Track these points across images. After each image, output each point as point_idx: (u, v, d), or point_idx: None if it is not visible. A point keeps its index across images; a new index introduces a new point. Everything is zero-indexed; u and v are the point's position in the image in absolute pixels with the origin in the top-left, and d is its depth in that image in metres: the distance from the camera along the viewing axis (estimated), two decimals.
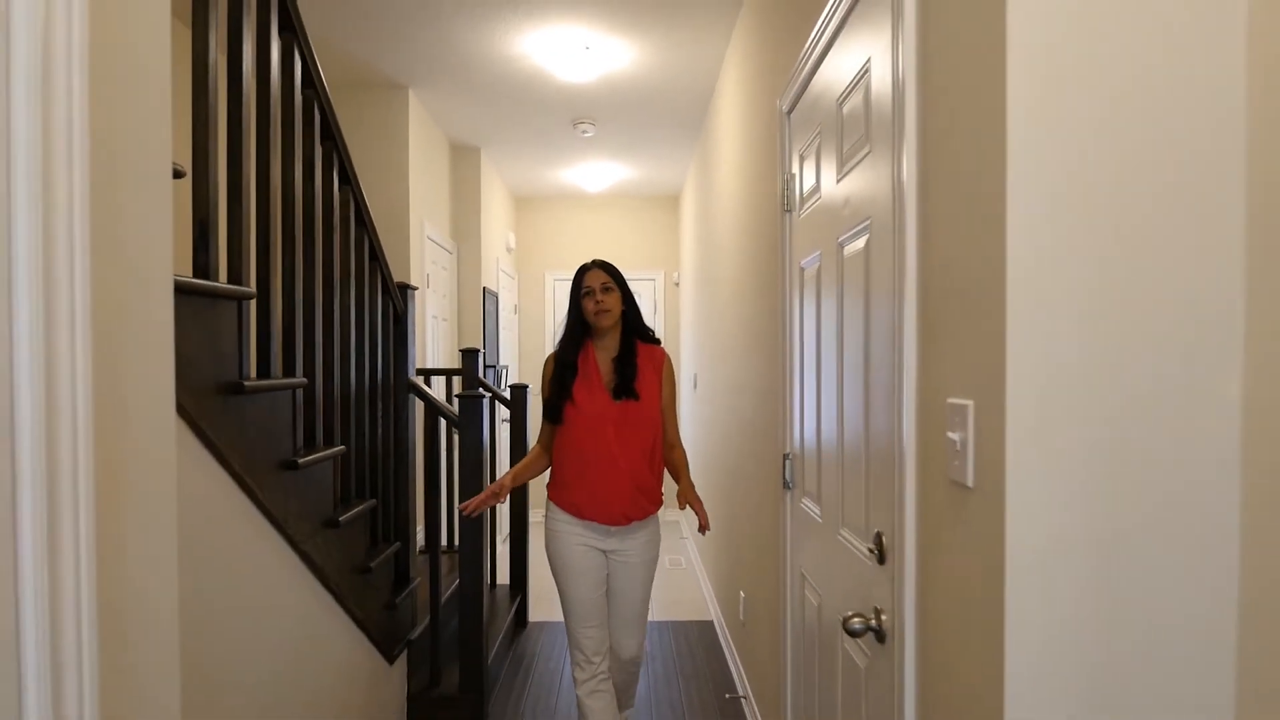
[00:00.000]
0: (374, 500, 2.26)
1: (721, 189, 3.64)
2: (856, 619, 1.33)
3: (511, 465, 3.36)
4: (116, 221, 0.77)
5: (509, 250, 5.96)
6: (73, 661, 0.67)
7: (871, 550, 1.37)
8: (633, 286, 2.25)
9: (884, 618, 1.30)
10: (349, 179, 2.09)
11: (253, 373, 1.56)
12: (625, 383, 2.10)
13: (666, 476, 2.26)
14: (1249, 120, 0.86)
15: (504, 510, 4.58)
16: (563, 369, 2.14)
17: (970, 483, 0.97)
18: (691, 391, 5.29)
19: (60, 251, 0.66)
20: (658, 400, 2.17)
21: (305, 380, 1.76)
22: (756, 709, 2.70)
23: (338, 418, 2.02)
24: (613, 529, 2.13)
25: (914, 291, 1.16)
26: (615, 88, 3.73)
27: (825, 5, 1.62)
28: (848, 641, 1.53)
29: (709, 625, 3.89)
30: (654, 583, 2.27)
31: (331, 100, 1.96)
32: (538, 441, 2.26)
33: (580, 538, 2.13)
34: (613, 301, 2.13)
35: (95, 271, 0.70)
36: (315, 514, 1.83)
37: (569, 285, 2.23)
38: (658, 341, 2.26)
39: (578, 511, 2.12)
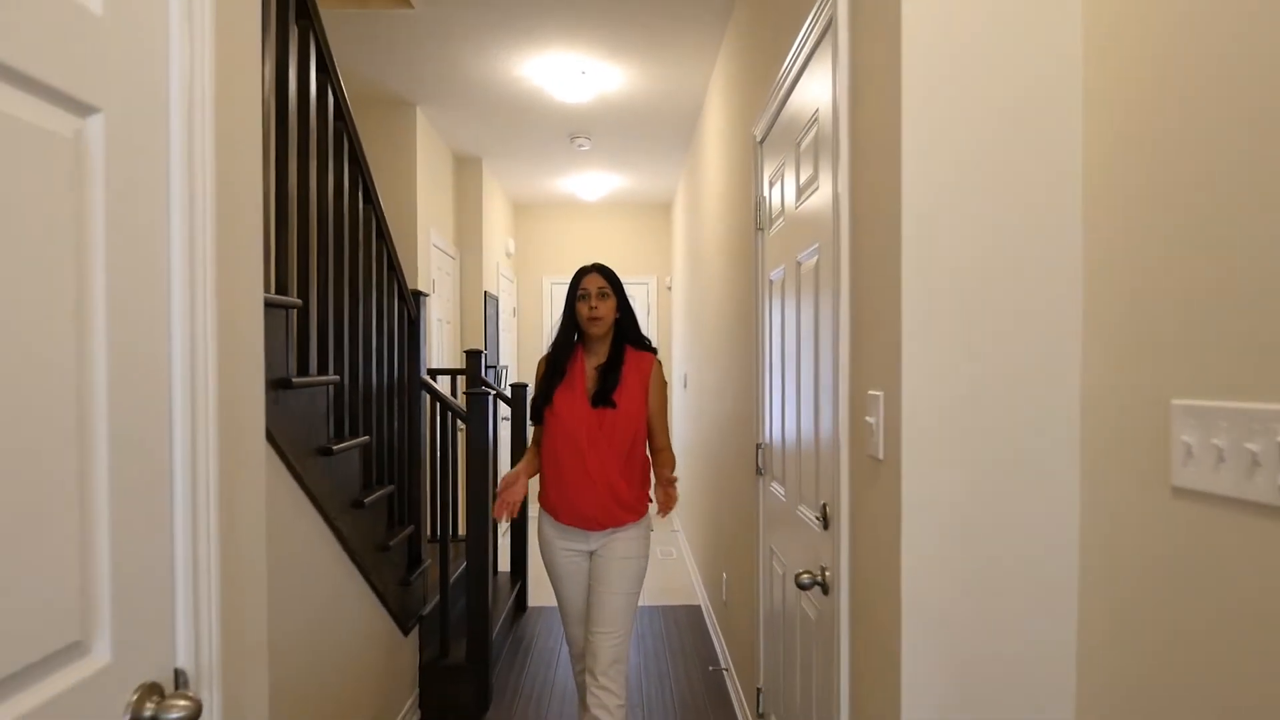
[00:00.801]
0: (392, 486, 2.52)
1: (707, 204, 3.91)
2: (805, 574, 1.60)
3: (512, 462, 3.62)
4: (233, 260, 1.03)
5: (508, 255, 6.22)
6: (206, 601, 0.93)
7: (819, 519, 1.64)
8: (627, 290, 2.24)
9: (827, 574, 1.56)
10: (371, 199, 2.35)
11: (293, 370, 1.82)
12: (604, 391, 2.10)
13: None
14: (1085, 164, 1.13)
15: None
16: (553, 373, 2.15)
17: (881, 456, 1.24)
18: (682, 390, 5.56)
19: (199, 294, 0.92)
20: (640, 409, 2.14)
21: (337, 378, 2.02)
22: (736, 678, 2.96)
23: (362, 411, 2.28)
24: (589, 533, 2.14)
25: (847, 304, 1.43)
26: (610, 107, 4.00)
27: (789, 49, 1.90)
28: (804, 599, 1.80)
29: (696, 609, 4.16)
30: (646, 573, 2.21)
31: (356, 125, 2.23)
32: (531, 441, 2.30)
33: (563, 541, 2.16)
34: (607, 309, 2.13)
35: (220, 298, 0.96)
36: (344, 495, 2.09)
37: (566, 289, 2.23)
38: (653, 349, 2.25)
39: (557, 515, 2.15)
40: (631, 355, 2.18)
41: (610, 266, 2.26)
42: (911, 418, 1.14)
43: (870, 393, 1.29)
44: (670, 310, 6.54)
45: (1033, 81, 1.14)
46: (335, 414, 2.08)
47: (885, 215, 1.23)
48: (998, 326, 1.15)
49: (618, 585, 2.13)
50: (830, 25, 1.49)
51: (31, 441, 0.69)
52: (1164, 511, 0.95)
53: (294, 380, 1.71)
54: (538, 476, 2.24)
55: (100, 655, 0.78)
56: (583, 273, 2.18)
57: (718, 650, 3.46)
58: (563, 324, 2.20)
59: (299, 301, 1.78)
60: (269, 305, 1.63)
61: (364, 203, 2.32)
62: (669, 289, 6.62)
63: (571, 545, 2.16)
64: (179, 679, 0.90)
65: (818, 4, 1.58)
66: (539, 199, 6.36)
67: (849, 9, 1.41)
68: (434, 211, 4.49)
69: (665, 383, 2.27)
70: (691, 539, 4.95)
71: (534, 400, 2.20)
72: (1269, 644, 0.80)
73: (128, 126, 0.81)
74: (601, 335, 2.15)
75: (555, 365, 2.17)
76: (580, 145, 4.58)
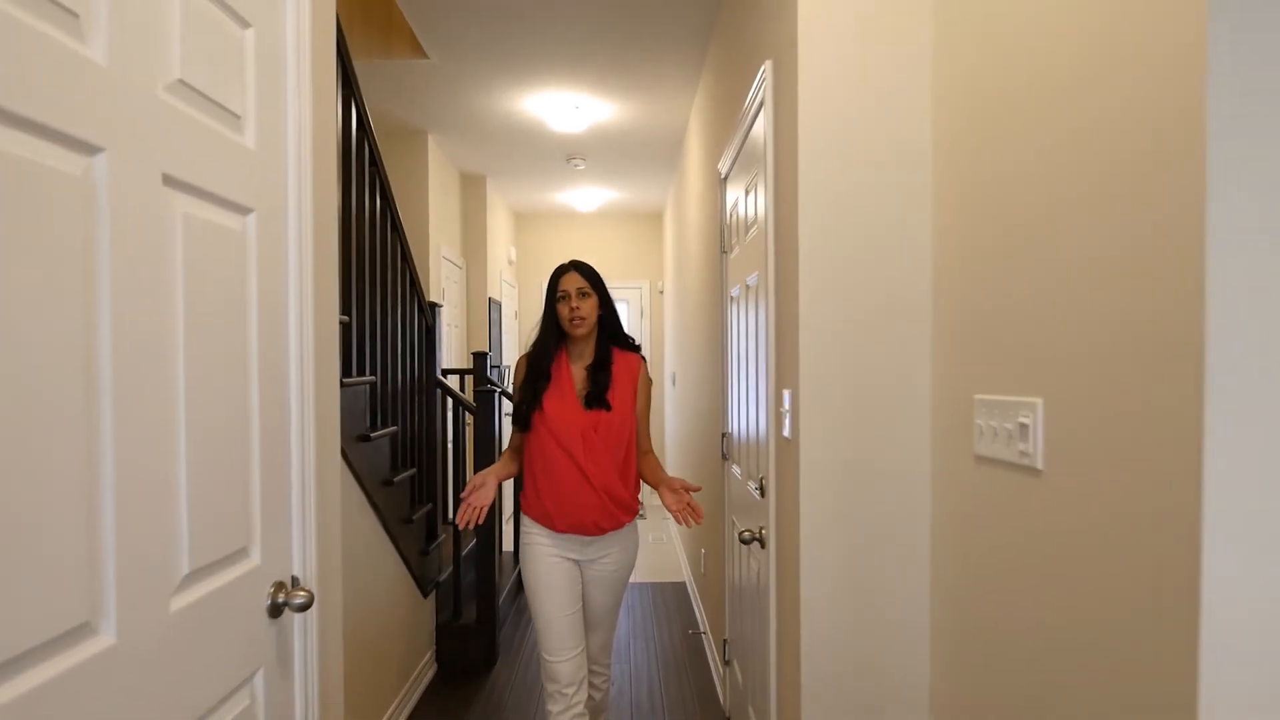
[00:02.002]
0: (414, 469, 2.96)
1: (689, 221, 4.36)
2: (746, 532, 2.05)
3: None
4: (322, 302, 1.47)
5: (510, 263, 6.66)
6: (309, 533, 1.37)
7: (758, 489, 2.08)
8: (621, 294, 2.33)
9: (764, 531, 2.01)
10: (397, 227, 2.79)
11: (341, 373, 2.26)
12: (598, 392, 2.02)
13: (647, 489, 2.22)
14: (933, 211, 1.57)
15: (508, 489, 5.27)
16: (536, 376, 2.05)
17: (789, 436, 1.68)
18: (671, 388, 6.00)
19: (305, 327, 1.36)
20: (631, 410, 2.07)
21: (374, 378, 2.46)
22: (710, 638, 3.41)
23: (391, 406, 2.72)
24: (587, 539, 2.04)
25: (772, 322, 1.87)
26: (602, 135, 4.44)
27: (743, 102, 2.33)
28: (752, 557, 2.24)
29: (682, 585, 4.61)
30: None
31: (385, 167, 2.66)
32: (508, 446, 2.16)
33: (554, 549, 2.03)
34: (589, 308, 2.03)
35: (316, 328, 1.40)
36: (378, 475, 2.54)
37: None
38: (638, 349, 2.18)
39: (550, 523, 2.02)
40: (619, 355, 2.09)
41: (605, 272, 2.21)
42: (808, 408, 1.59)
43: (784, 390, 1.73)
44: (663, 313, 6.98)
45: (893, 146, 1.57)
46: (371, 408, 2.52)
47: (789, 252, 1.67)
48: (869, 339, 1.59)
49: (617, 590, 2.11)
50: (764, 95, 1.93)
51: (229, 434, 1.13)
52: (971, 472, 1.40)
53: (345, 380, 2.15)
54: (520, 485, 2.14)
55: (255, 558, 1.23)
56: (560, 272, 2.08)
57: (697, 616, 3.91)
58: (542, 326, 2.10)
59: (346, 318, 2.23)
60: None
61: (391, 230, 2.77)
62: (661, 293, 7.06)
63: (566, 554, 2.04)
64: (294, 582, 1.35)
65: (759, 75, 2.01)
66: (538, 210, 6.80)
67: (773, 89, 1.84)
68: (443, 226, 4.93)
69: (651, 383, 2.22)
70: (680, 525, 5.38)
71: (519, 404, 2.06)
72: (1017, 544, 1.24)
73: (268, 220, 1.25)
74: (585, 336, 2.06)
75: (538, 368, 2.06)
76: (576, 165, 5.03)
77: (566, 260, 2.16)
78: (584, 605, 2.08)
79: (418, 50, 3.26)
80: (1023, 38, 1.19)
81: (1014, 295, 1.22)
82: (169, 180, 0.98)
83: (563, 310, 2.05)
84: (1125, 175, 0.93)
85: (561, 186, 5.83)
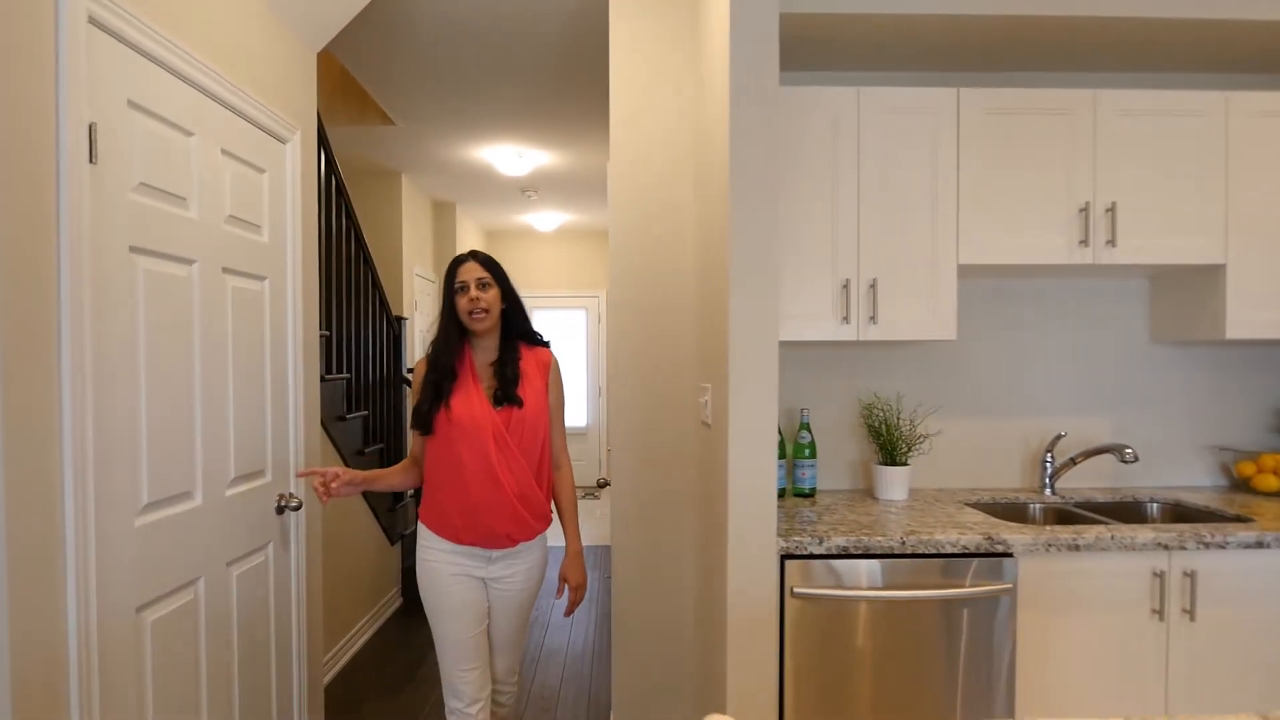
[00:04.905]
0: (382, 444, 3.87)
1: None
2: (600, 479, 2.96)
3: None
4: (309, 328, 2.37)
5: None
6: (303, 466, 2.28)
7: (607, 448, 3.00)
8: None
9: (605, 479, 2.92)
10: (369, 262, 3.71)
11: (323, 370, 3.17)
12: (507, 388, 1.88)
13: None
14: (693, 248, 2.48)
15: None
16: (438, 374, 1.88)
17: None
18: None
19: (298, 342, 2.27)
20: (545, 406, 1.95)
21: (349, 375, 3.38)
22: None
23: (363, 395, 3.63)
24: (495, 553, 1.89)
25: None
26: (544, 175, 5.36)
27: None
28: (605, 493, 3.16)
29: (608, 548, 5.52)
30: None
31: (353, 202, 3.57)
32: (409, 454, 2.02)
33: (458, 566, 1.88)
34: (491, 299, 1.89)
35: (305, 345, 2.31)
36: (353, 446, 3.45)
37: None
38: (545, 343, 2.05)
39: (455, 535, 1.86)
40: (527, 350, 1.98)
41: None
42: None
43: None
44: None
45: (672, 203, 2.48)
46: (347, 397, 3.44)
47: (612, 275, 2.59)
48: (660, 353, 2.50)
49: (523, 611, 1.96)
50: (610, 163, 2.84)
51: (255, 405, 2.05)
52: (702, 430, 2.31)
53: (325, 377, 3.07)
54: (420, 495, 1.98)
55: (267, 476, 2.14)
56: (457, 263, 1.93)
57: None
58: (442, 322, 1.93)
59: (328, 332, 3.14)
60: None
61: (363, 264, 3.68)
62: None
63: (470, 571, 1.89)
64: (290, 496, 2.25)
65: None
66: (505, 228, 7.71)
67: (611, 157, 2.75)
68: (417, 247, 5.83)
69: (562, 382, 2.09)
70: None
71: (419, 406, 1.89)
72: (704, 457, 2.18)
73: (276, 284, 2.17)
74: (489, 329, 1.91)
75: (439, 367, 1.90)
76: (529, 196, 5.94)
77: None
78: (489, 627, 1.94)
79: (386, 119, 4.16)
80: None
81: (693, 325, 2.14)
82: (226, 269, 1.90)
83: (462, 303, 1.88)
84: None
85: (522, 211, 6.74)
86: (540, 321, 7.85)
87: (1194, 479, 2.50)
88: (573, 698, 3.07)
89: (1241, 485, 2.43)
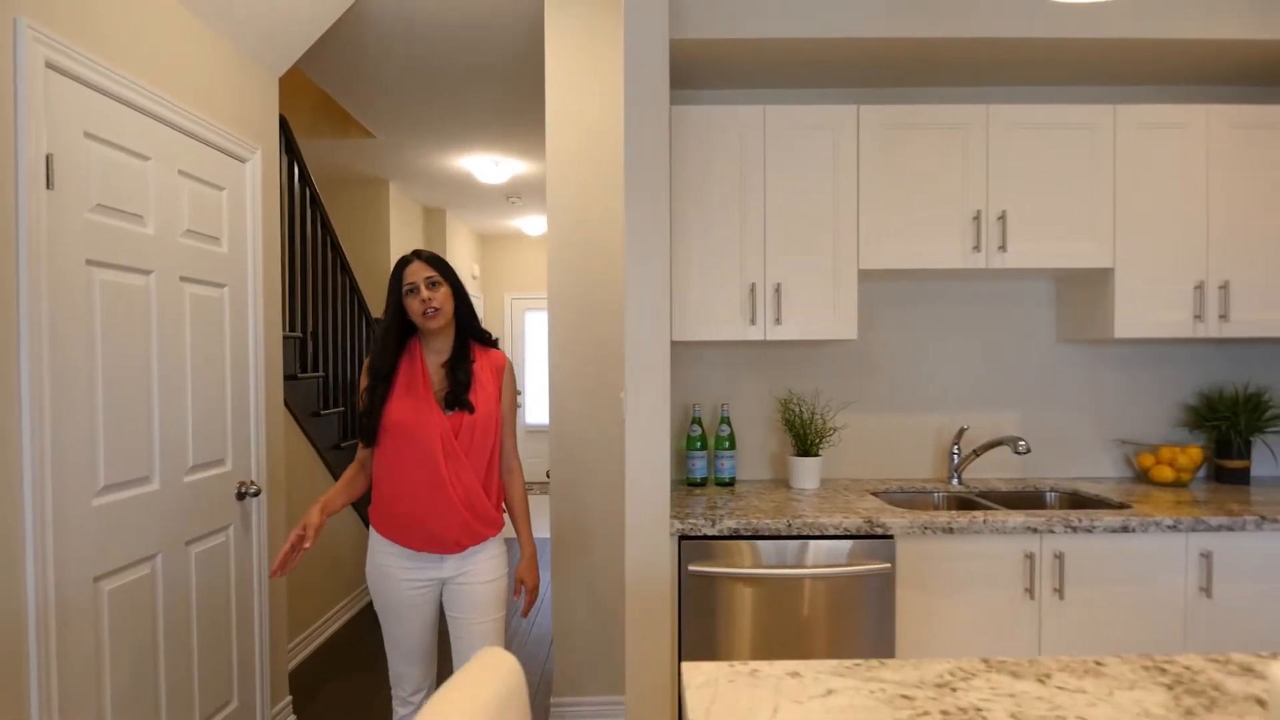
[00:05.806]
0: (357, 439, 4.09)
1: None
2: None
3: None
4: (269, 331, 2.58)
5: (474, 277, 7.79)
6: (262, 458, 2.49)
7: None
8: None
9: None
10: (346, 269, 3.92)
11: (298, 370, 3.39)
12: (458, 392, 1.85)
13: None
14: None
15: None
16: (377, 378, 1.85)
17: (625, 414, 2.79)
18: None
19: (259, 343, 2.48)
20: (497, 411, 1.92)
21: (322, 374, 3.60)
22: None
23: (338, 393, 3.85)
24: (447, 557, 1.87)
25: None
26: (522, 182, 5.56)
27: None
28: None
29: None
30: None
31: (325, 206, 3.78)
32: (355, 459, 1.97)
33: (408, 571, 1.86)
34: (442, 297, 1.85)
35: (265, 345, 2.52)
36: (329, 440, 3.67)
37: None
38: (496, 344, 2.02)
39: (405, 541, 1.84)
40: (479, 352, 1.94)
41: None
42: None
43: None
44: None
45: (608, 209, 2.67)
46: (323, 395, 3.66)
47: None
48: (599, 358, 2.68)
49: (486, 611, 1.90)
50: None
51: (215, 401, 2.26)
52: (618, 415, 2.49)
53: (299, 375, 3.28)
54: (370, 499, 1.92)
55: (228, 465, 2.35)
56: (404, 263, 1.88)
57: None
58: (388, 324, 1.90)
59: (300, 334, 3.36)
60: (286, 338, 3.22)
61: (341, 272, 3.90)
62: None
63: (421, 575, 1.87)
64: (252, 485, 2.46)
65: None
66: (497, 232, 7.93)
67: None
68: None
69: (515, 385, 2.05)
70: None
71: (363, 413, 1.87)
72: (619, 436, 2.37)
73: (236, 291, 2.38)
74: (443, 328, 1.89)
75: (383, 371, 1.86)
76: (514, 201, 6.15)
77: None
78: (455, 631, 1.91)
79: (367, 133, 4.39)
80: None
81: (614, 331, 2.32)
82: (184, 278, 2.11)
83: (413, 304, 1.85)
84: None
85: (510, 215, 6.95)
86: (536, 322, 8.07)
87: (1100, 471, 2.64)
88: (527, 675, 3.27)
89: (1142, 476, 2.57)
